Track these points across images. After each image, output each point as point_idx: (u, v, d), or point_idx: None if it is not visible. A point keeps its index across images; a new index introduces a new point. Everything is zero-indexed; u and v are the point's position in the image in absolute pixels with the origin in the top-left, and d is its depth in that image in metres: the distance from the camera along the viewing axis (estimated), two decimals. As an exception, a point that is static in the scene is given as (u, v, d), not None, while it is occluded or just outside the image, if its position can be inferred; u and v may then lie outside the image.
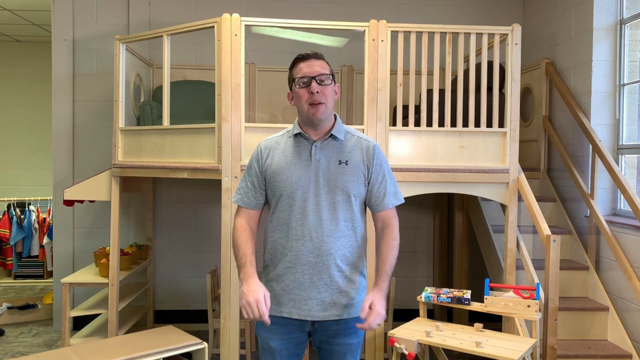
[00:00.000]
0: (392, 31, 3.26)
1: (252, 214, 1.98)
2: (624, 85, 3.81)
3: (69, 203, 4.16)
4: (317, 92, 1.85)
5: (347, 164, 1.91)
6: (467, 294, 3.11)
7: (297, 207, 1.89)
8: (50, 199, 6.05)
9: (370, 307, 1.82)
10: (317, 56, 1.91)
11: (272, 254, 1.96)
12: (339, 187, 1.89)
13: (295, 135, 1.95)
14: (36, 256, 6.18)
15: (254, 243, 1.95)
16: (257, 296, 1.77)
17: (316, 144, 1.92)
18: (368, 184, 1.95)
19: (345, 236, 1.91)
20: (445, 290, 3.16)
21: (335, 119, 1.97)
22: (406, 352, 2.83)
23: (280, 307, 1.93)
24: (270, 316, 1.93)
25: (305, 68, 1.88)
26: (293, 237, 1.89)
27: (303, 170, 1.90)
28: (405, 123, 3.84)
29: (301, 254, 1.89)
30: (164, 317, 4.73)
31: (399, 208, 2.10)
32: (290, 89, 1.94)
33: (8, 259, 6.10)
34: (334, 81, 1.93)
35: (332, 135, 1.93)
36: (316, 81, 1.86)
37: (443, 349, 3.35)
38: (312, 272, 1.89)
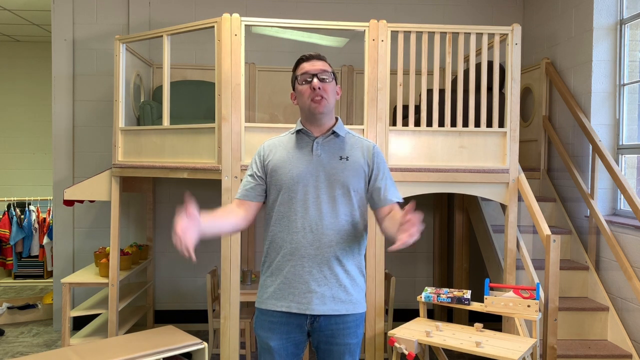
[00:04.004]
0: (392, 31, 3.27)
1: (246, 203, 2.00)
2: (624, 85, 3.81)
3: (69, 203, 4.16)
4: (319, 87, 1.91)
5: (347, 160, 1.96)
6: (467, 294, 3.11)
7: (298, 200, 1.92)
8: (50, 199, 6.05)
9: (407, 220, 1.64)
10: (319, 57, 1.99)
11: (270, 247, 1.98)
12: (339, 182, 1.93)
13: (298, 132, 2.01)
14: (36, 256, 6.19)
15: (227, 214, 1.94)
16: (182, 226, 1.68)
17: (317, 140, 1.97)
18: (369, 180, 1.99)
19: (345, 230, 1.94)
20: (445, 290, 3.16)
21: (337, 120, 2.03)
22: (406, 352, 2.83)
23: (280, 301, 1.94)
24: (270, 312, 1.95)
25: (308, 66, 1.95)
26: (293, 230, 1.92)
27: (304, 164, 1.94)
28: (405, 123, 3.84)
29: (301, 246, 1.90)
30: (164, 317, 4.72)
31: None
32: (294, 88, 2.01)
33: (8, 259, 6.10)
34: (336, 81, 2.00)
35: (333, 132, 1.99)
36: (318, 78, 1.92)
37: (443, 349, 3.35)
38: (312, 264, 1.90)
